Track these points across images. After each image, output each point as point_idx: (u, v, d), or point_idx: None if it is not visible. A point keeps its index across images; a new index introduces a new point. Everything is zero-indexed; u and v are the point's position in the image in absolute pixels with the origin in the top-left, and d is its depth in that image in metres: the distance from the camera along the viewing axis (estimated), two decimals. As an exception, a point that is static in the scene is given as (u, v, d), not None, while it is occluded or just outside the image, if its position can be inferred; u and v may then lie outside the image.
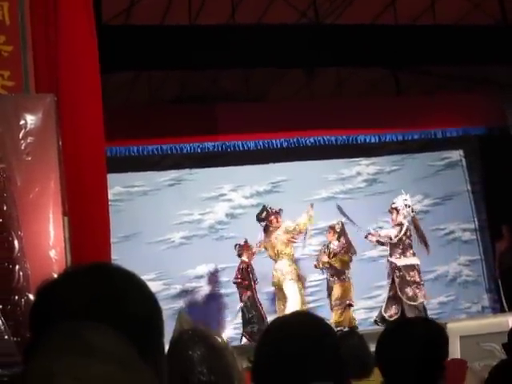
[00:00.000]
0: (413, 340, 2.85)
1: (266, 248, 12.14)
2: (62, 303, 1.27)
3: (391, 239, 11.92)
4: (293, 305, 11.43)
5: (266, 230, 12.11)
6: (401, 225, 11.97)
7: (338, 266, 12.26)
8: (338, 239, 12.47)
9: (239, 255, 12.48)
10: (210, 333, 2.60)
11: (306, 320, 1.99)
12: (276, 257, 11.87)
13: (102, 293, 1.28)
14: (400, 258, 11.80)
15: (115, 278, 1.33)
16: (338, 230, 12.52)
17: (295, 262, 12.18)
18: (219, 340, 2.58)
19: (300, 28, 12.76)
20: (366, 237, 12.47)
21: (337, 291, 12.20)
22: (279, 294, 11.95)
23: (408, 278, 11.64)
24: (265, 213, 12.13)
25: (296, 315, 2.14)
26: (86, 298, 1.26)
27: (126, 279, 1.34)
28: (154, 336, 1.34)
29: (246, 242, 12.53)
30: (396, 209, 12.06)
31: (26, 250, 4.70)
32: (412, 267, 11.76)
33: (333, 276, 12.33)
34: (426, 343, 2.82)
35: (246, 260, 12.38)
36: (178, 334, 2.61)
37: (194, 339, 2.51)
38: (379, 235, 12.26)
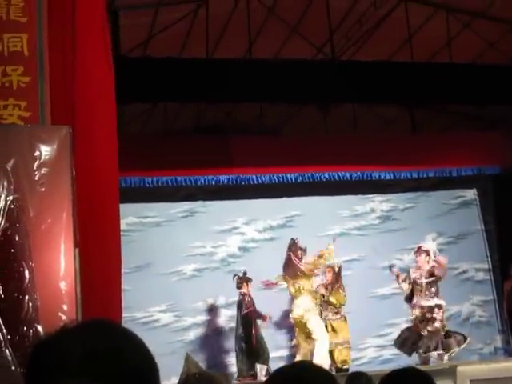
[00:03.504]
0: None
1: (286, 281, 12.02)
2: (59, 359, 1.26)
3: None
4: (321, 341, 11.35)
5: (289, 263, 11.98)
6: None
7: (335, 303, 12.24)
8: (337, 280, 12.43)
9: (239, 287, 12.47)
10: (216, 376, 2.59)
11: (308, 373, 1.96)
12: (297, 292, 11.75)
13: (98, 350, 1.27)
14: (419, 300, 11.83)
15: (112, 336, 1.32)
16: (337, 271, 12.48)
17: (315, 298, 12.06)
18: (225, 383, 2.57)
19: (316, 64, 12.81)
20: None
21: (336, 329, 12.17)
22: (300, 330, 11.79)
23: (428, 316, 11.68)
24: (292, 244, 12.06)
25: (298, 367, 2.10)
26: (82, 355, 1.26)
27: (123, 336, 1.34)
28: None
29: (245, 273, 12.55)
30: (427, 252, 12.03)
31: (36, 280, 4.70)
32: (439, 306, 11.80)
33: (330, 314, 12.29)
34: None
35: (246, 292, 12.38)
36: (185, 377, 2.60)
37: (201, 383, 2.49)
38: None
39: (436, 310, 11.72)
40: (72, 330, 1.34)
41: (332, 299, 12.28)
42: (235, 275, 12.58)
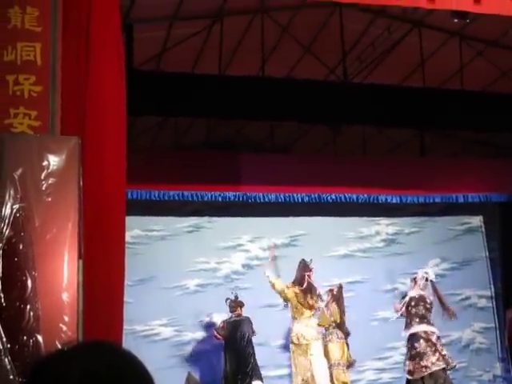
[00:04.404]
0: None
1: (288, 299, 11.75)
2: (58, 380, 1.26)
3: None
4: (320, 368, 11.17)
5: (303, 283, 11.72)
6: (404, 297, 11.91)
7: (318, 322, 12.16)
8: (337, 303, 12.34)
9: (232, 311, 12.42)
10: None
11: None
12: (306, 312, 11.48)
13: (98, 372, 1.27)
14: (409, 328, 11.68)
15: (113, 358, 1.32)
16: (336, 293, 12.40)
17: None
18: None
19: (328, 85, 12.83)
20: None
21: (335, 351, 12.07)
22: (301, 351, 11.45)
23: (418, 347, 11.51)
24: (302, 265, 11.86)
25: None
26: (82, 377, 1.26)
27: (123, 359, 1.34)
28: None
29: (236, 297, 12.50)
30: (415, 279, 11.97)
31: (38, 290, 4.70)
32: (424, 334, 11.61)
33: (329, 335, 12.19)
34: None
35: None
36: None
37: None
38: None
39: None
40: (73, 351, 1.34)
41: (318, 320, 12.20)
42: (227, 299, 12.55)
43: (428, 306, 11.74)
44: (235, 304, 12.43)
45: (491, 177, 14.52)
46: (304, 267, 11.69)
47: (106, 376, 1.27)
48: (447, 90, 13.07)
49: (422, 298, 11.77)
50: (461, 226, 15.46)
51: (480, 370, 14.73)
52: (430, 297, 11.75)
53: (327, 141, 15.16)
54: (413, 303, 11.73)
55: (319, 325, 12.08)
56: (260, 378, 11.95)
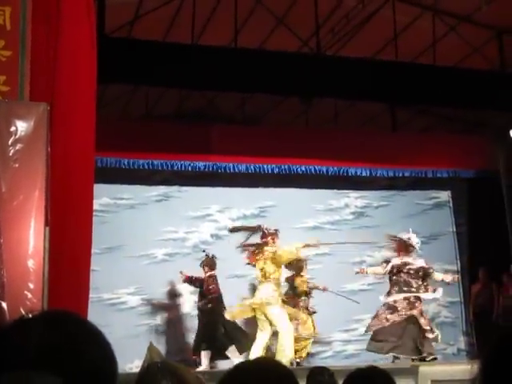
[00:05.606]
0: None
1: (254, 265, 11.72)
2: (15, 352, 1.25)
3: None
4: (286, 333, 11.16)
5: (260, 249, 11.68)
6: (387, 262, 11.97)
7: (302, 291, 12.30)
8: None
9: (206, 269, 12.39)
10: (179, 367, 2.58)
11: (268, 371, 1.93)
12: (263, 278, 11.48)
13: (55, 343, 1.26)
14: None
15: (70, 328, 1.31)
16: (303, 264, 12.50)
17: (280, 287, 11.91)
18: (188, 374, 2.55)
19: (301, 57, 12.79)
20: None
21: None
22: (260, 320, 11.56)
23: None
24: (261, 233, 11.79)
25: (259, 363, 2.08)
26: (38, 348, 1.25)
27: (81, 329, 1.32)
28: None
29: (212, 257, 12.43)
30: (412, 245, 11.97)
31: (4, 257, 4.68)
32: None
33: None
34: None
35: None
36: (147, 365, 2.59)
37: (163, 372, 2.48)
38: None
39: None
40: (34, 321, 1.33)
41: (300, 288, 12.30)
42: (206, 255, 12.48)
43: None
44: (206, 263, 12.37)
45: (460, 153, 14.64)
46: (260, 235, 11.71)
47: (65, 348, 1.26)
48: (419, 65, 13.08)
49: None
50: (429, 200, 15.57)
51: (444, 344, 14.84)
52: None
53: (299, 113, 15.14)
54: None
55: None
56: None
